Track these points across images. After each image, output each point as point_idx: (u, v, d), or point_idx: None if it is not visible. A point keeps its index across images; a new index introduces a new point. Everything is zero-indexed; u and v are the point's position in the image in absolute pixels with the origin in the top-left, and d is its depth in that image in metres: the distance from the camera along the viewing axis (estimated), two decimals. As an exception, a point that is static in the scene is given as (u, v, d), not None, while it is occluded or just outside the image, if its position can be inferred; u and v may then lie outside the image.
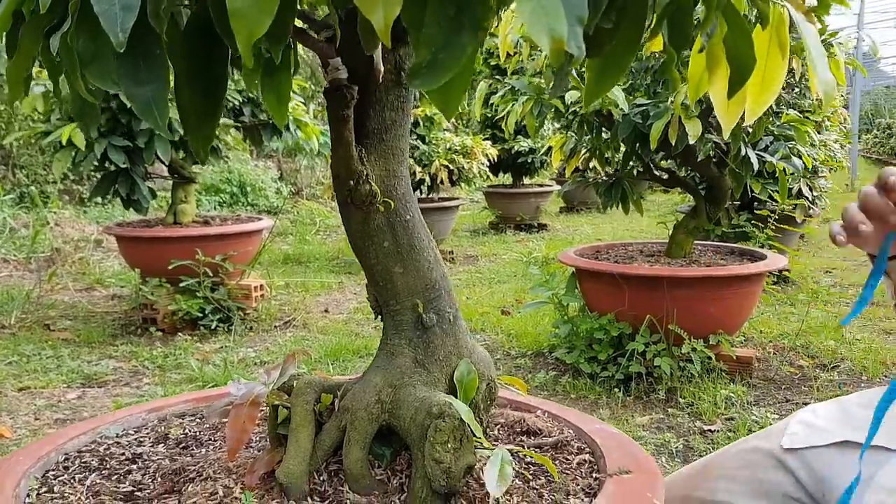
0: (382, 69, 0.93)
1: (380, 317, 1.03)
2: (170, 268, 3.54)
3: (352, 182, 0.95)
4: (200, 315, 3.62)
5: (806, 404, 2.64)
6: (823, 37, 2.45)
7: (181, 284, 3.59)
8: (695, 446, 2.30)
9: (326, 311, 4.21)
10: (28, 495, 0.96)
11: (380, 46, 0.96)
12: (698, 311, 2.75)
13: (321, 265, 5.67)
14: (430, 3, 0.57)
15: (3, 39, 0.68)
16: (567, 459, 1.07)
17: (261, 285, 3.94)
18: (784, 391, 2.80)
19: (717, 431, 2.41)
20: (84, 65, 0.67)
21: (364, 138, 0.97)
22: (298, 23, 1.04)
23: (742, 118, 0.88)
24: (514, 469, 0.98)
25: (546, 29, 0.52)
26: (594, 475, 1.01)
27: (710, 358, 2.76)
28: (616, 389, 2.75)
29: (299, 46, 1.65)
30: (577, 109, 2.80)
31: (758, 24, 0.84)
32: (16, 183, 6.88)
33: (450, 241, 6.53)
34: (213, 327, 3.64)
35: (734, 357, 2.84)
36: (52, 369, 3.12)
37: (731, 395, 2.65)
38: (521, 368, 3.12)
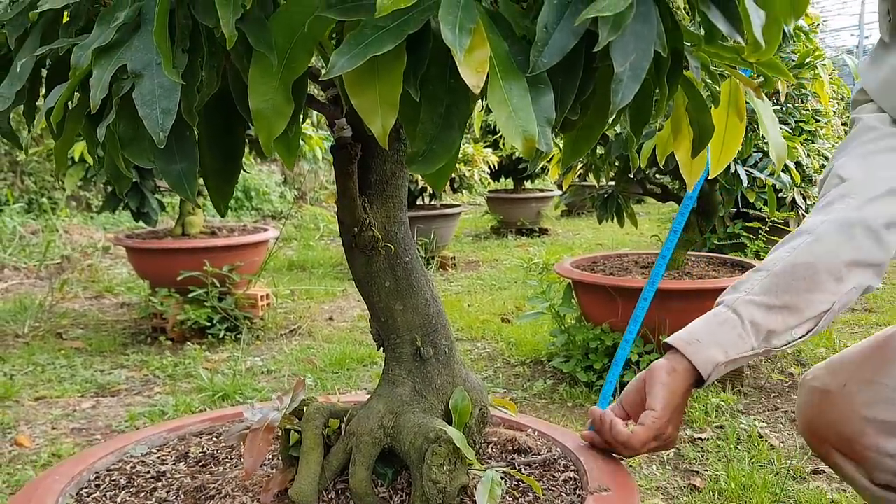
0: (383, 129, 1.03)
1: (382, 348, 1.13)
2: (178, 279, 3.66)
3: (356, 229, 1.05)
4: (209, 324, 3.73)
5: (794, 412, 2.74)
6: (808, 59, 2.55)
7: (190, 294, 3.70)
8: (685, 454, 2.40)
9: (331, 318, 4.31)
10: (66, 512, 1.06)
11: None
12: (690, 322, 2.84)
13: (325, 271, 5.77)
14: (423, 105, 0.67)
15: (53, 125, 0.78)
16: (554, 477, 1.17)
17: (266, 294, 4.05)
18: (773, 399, 2.89)
19: (707, 439, 2.51)
20: (124, 146, 0.77)
21: (367, 188, 1.07)
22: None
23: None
24: (504, 488, 1.08)
25: (520, 131, 0.63)
26: (577, 492, 1.11)
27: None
28: (612, 398, 2.85)
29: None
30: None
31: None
32: (24, 190, 7.00)
33: (452, 246, 6.63)
34: (220, 336, 3.75)
35: (725, 366, 2.94)
36: (67, 379, 3.23)
37: (722, 403, 2.75)
38: (520, 377, 3.22)
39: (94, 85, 0.68)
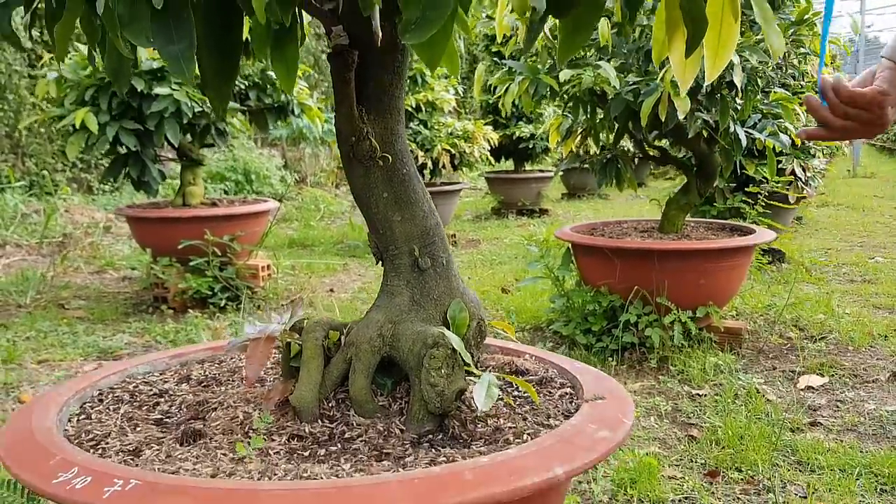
0: (381, 34, 1.04)
1: (380, 262, 1.14)
2: (179, 247, 3.67)
3: (353, 138, 1.06)
4: (210, 293, 3.75)
5: (794, 372, 2.76)
6: (807, 16, 2.55)
7: (191, 264, 3.71)
8: (683, 409, 2.41)
9: (331, 290, 4.32)
10: (69, 419, 1.08)
11: (378, 15, 1.06)
12: (688, 284, 2.85)
13: (326, 248, 5.78)
14: (418, -32, 0.68)
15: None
16: (550, 392, 1.18)
17: (267, 265, 4.06)
18: (772, 360, 2.91)
19: (705, 395, 2.52)
20: (123, 25, 0.78)
21: (364, 99, 1.08)
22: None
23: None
24: (500, 394, 1.09)
25: (514, -13, 0.63)
26: (573, 402, 1.12)
27: (696, 329, 2.86)
28: (610, 359, 2.87)
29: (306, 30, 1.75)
30: (571, 89, 2.90)
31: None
32: (25, 171, 7.00)
33: (452, 225, 6.63)
34: (222, 305, 3.76)
35: (722, 328, 2.95)
36: (69, 344, 3.25)
37: (720, 362, 2.76)
38: (520, 341, 3.23)
39: (94, -47, 0.69)
